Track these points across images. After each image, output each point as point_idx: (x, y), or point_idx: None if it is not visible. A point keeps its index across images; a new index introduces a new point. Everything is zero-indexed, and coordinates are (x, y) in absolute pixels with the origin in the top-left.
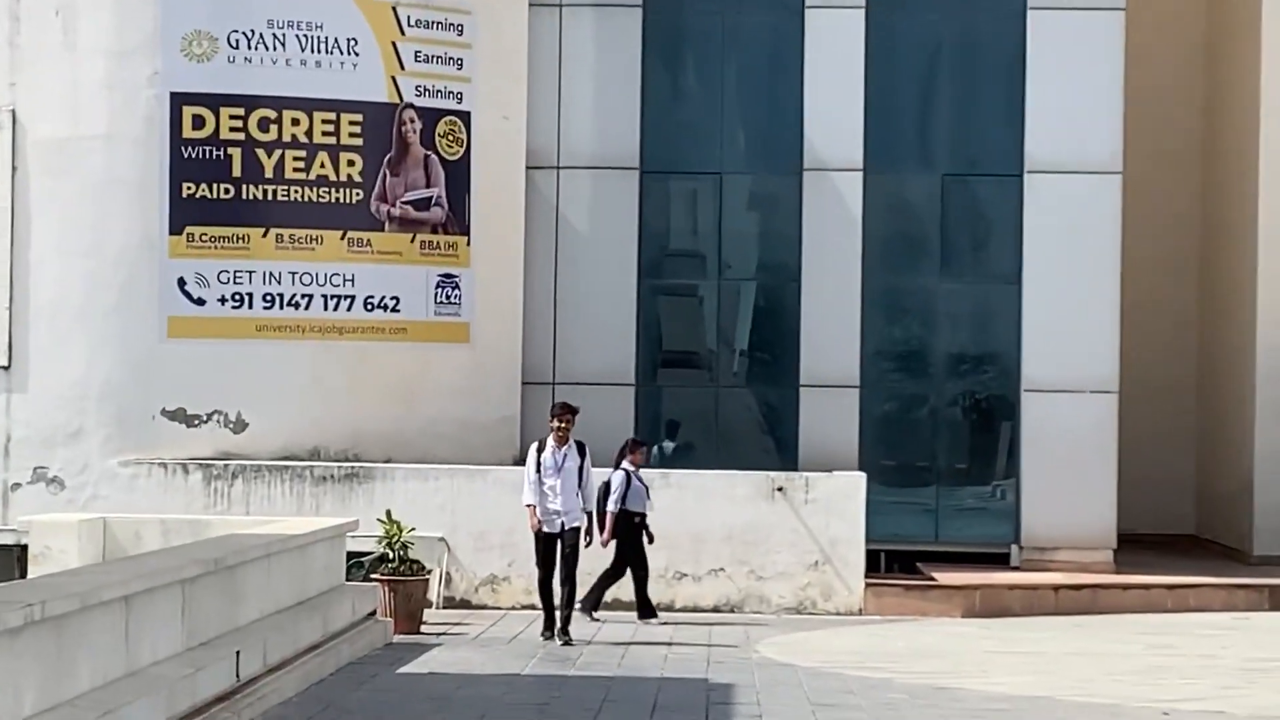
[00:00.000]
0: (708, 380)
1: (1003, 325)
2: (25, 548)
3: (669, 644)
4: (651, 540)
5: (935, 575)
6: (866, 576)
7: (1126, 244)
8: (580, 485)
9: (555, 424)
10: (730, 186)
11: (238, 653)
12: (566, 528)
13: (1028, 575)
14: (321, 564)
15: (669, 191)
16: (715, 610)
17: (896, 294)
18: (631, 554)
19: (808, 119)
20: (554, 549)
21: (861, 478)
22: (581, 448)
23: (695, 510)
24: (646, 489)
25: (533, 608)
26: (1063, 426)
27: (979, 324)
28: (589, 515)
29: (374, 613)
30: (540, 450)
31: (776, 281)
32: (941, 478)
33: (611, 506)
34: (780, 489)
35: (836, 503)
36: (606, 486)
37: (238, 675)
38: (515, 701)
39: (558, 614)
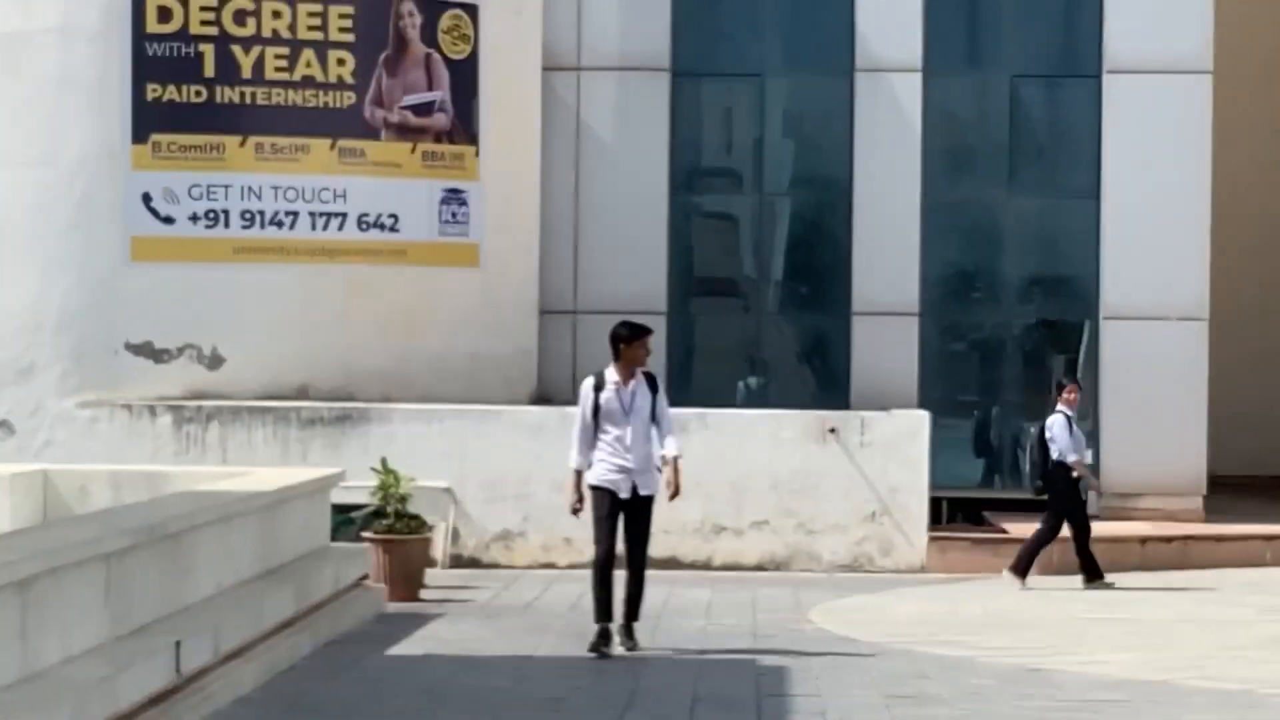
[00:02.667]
0: (748, 308)
1: (1079, 245)
2: None
3: (707, 610)
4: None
5: (1006, 526)
6: (929, 529)
7: (1217, 152)
8: (659, 426)
9: (626, 350)
10: (773, 90)
11: (178, 642)
12: (641, 491)
13: (1110, 526)
14: (298, 523)
15: (704, 96)
16: (759, 568)
17: (960, 210)
18: (1070, 509)
19: (860, 12)
20: (615, 516)
21: (924, 417)
22: (652, 381)
23: (736, 455)
24: (1083, 435)
25: (551, 566)
26: (1146, 358)
27: (1052, 243)
28: (675, 462)
29: (365, 578)
30: (599, 387)
31: (825, 197)
32: (1012, 416)
33: (1071, 456)
34: (833, 430)
35: (896, 445)
36: (1041, 434)
37: (178, 669)
38: (525, 694)
39: (617, 613)
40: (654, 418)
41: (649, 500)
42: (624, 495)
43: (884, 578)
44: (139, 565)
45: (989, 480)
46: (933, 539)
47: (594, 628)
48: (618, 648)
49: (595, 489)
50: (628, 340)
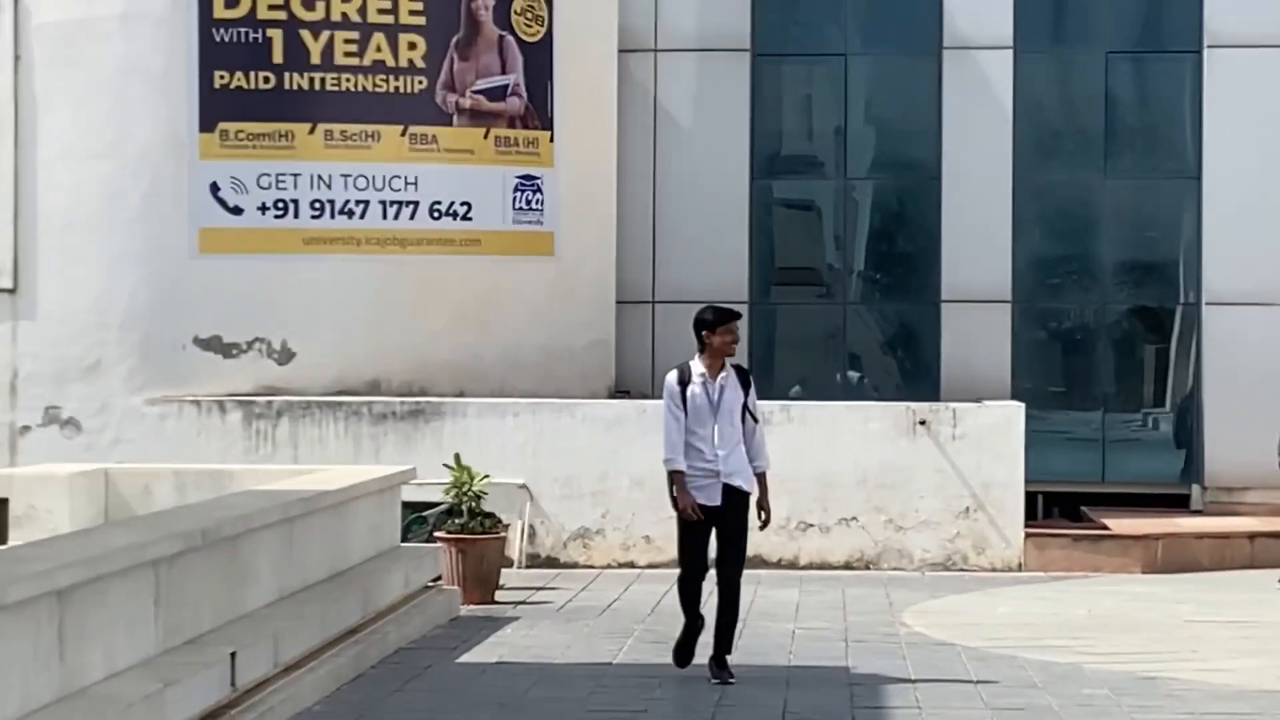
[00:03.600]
0: (832, 297)
1: (1178, 227)
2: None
3: (795, 613)
4: None
5: (1106, 522)
6: (1026, 525)
7: None
8: (746, 431)
9: (711, 338)
10: (857, 70)
11: (233, 654)
12: (733, 485)
13: (1216, 521)
14: (366, 524)
15: (785, 77)
16: (847, 567)
17: (1053, 193)
18: None
19: None
20: (705, 529)
21: (1019, 409)
22: (743, 375)
23: (822, 449)
24: None
25: (630, 565)
26: (1251, 345)
27: (1150, 226)
28: (761, 479)
29: (438, 580)
30: (684, 381)
31: (912, 181)
32: (1108, 407)
33: None
34: (923, 422)
35: (990, 438)
36: None
37: (233, 683)
38: (602, 706)
39: (706, 639)
40: (744, 419)
41: (744, 498)
42: (714, 503)
43: (978, 576)
44: (192, 572)
45: (1085, 473)
46: (1029, 535)
47: (676, 635)
48: (711, 672)
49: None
50: (713, 327)
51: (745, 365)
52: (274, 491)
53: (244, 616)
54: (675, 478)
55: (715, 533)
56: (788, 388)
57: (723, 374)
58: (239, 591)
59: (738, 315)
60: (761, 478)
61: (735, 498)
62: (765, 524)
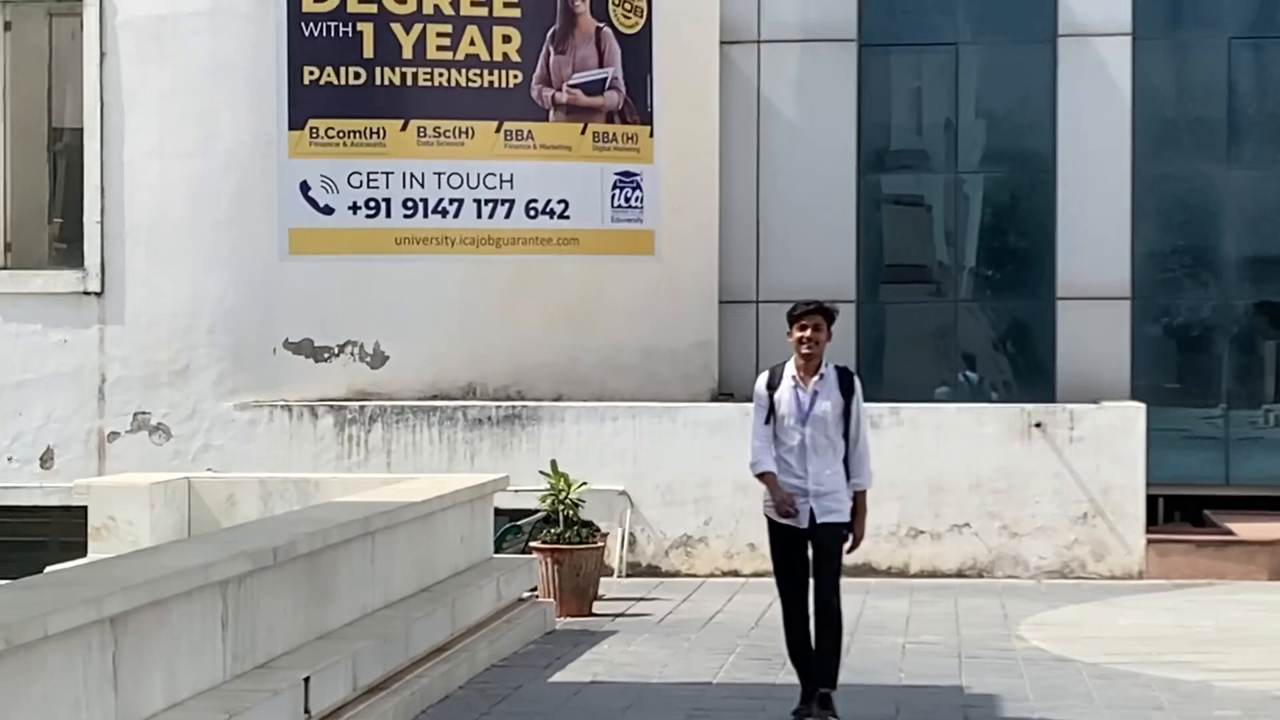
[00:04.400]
0: (943, 295)
1: None
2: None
3: (905, 625)
4: None
5: (1231, 527)
6: (1146, 530)
7: None
8: (847, 443)
9: (796, 333)
10: (968, 59)
11: (306, 679)
12: (820, 519)
13: None
14: (456, 535)
15: (893, 68)
16: (959, 575)
17: (1174, 184)
18: None
19: None
20: (799, 554)
21: (1140, 410)
22: (846, 379)
23: (933, 453)
24: None
25: (734, 574)
26: None
27: (1276, 217)
28: (858, 498)
29: (533, 592)
30: (773, 385)
31: (1026, 173)
32: (1232, 406)
33: None
34: (1039, 424)
35: (1109, 440)
36: None
37: (306, 709)
38: None
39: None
40: (845, 429)
41: (836, 530)
42: (802, 526)
43: (1097, 585)
44: (264, 592)
45: (1208, 475)
46: (1150, 542)
47: (781, 650)
48: (815, 712)
49: (769, 523)
50: (791, 321)
51: (850, 367)
52: (355, 504)
53: (321, 637)
54: (765, 480)
55: (806, 558)
56: (896, 389)
57: (818, 377)
58: (316, 611)
59: (818, 307)
60: (859, 497)
61: (826, 528)
62: (852, 547)
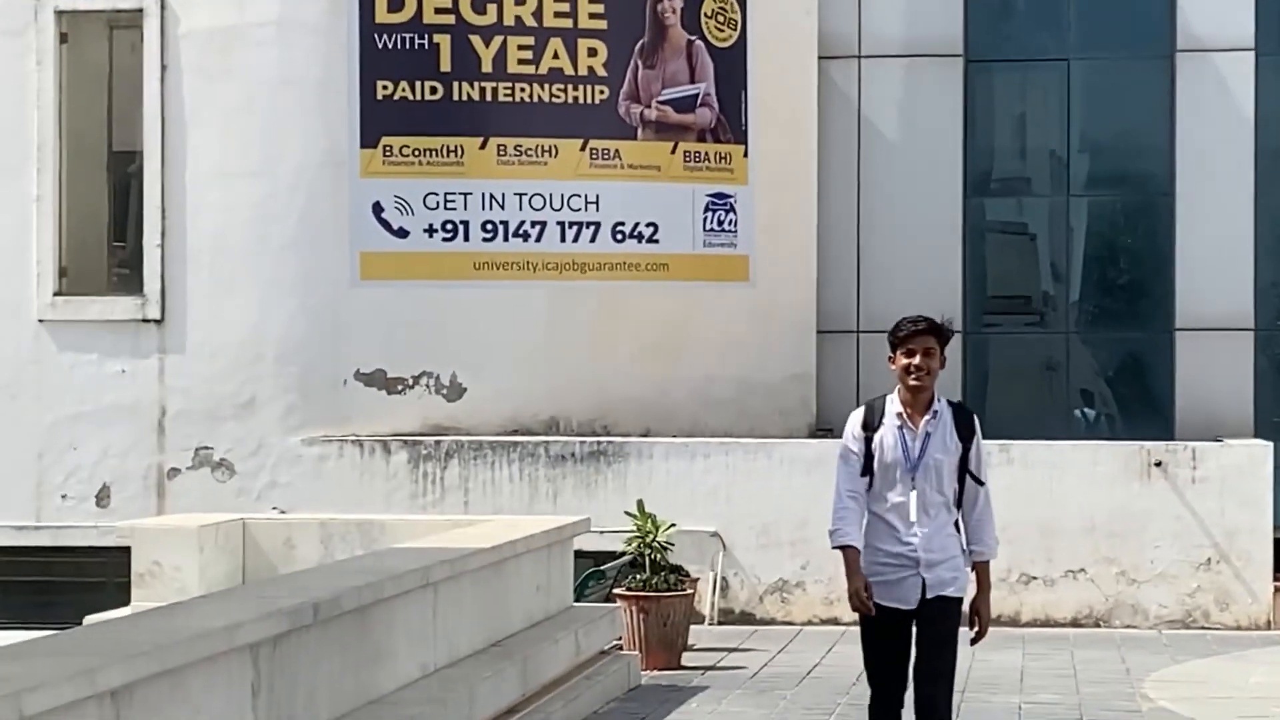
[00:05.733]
0: (1054, 325)
1: None
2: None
3: (1020, 682)
4: None
5: None
6: (1275, 577)
7: None
8: (966, 500)
9: (902, 360)
10: (1080, 76)
11: None
12: (931, 593)
13: None
14: (531, 583)
15: (1001, 85)
16: (1074, 624)
17: None
18: None
19: None
20: (901, 640)
21: (1268, 448)
22: (964, 418)
23: (1045, 493)
24: None
25: (834, 622)
26: None
27: None
28: (979, 572)
29: (618, 644)
30: (871, 425)
31: (1142, 196)
32: None
33: None
34: (1158, 463)
35: (1234, 481)
36: None
37: None
38: None
39: None
40: (961, 482)
41: (951, 606)
42: (909, 605)
43: (1222, 636)
44: (303, 654)
45: None
46: (1279, 590)
47: None
48: None
49: (861, 607)
50: (894, 345)
51: (965, 403)
52: (416, 550)
53: (373, 702)
54: (845, 556)
55: (912, 641)
56: (1004, 426)
57: (930, 416)
58: (367, 673)
59: (929, 326)
60: (983, 569)
61: (939, 603)
62: (979, 636)
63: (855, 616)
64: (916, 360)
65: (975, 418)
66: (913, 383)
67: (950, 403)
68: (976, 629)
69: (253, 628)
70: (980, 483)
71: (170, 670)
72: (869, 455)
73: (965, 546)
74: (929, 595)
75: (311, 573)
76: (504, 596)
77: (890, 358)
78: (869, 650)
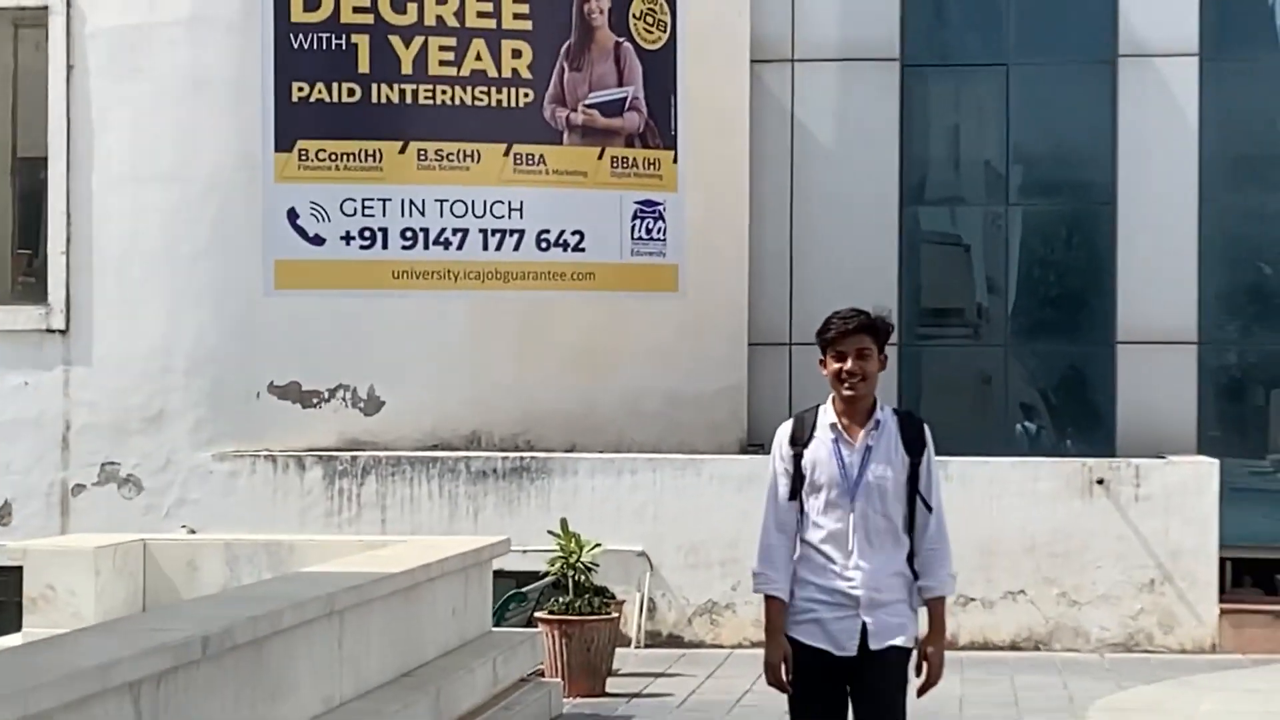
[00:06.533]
0: (992, 338)
1: None
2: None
3: (959, 711)
4: None
5: None
6: (1220, 599)
7: None
8: (916, 527)
9: (833, 364)
10: (1019, 81)
11: None
12: (875, 643)
13: None
14: (446, 608)
15: (939, 90)
16: (1013, 648)
17: (1249, 218)
18: None
19: None
20: (832, 690)
21: (1213, 466)
22: (913, 430)
23: (984, 511)
24: None
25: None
26: None
27: None
28: (932, 612)
29: (539, 671)
30: (800, 440)
31: (1082, 205)
32: None
33: None
34: (1101, 481)
35: (1179, 500)
36: None
37: None
38: None
39: None
40: (910, 506)
41: (897, 661)
42: (844, 652)
43: (1166, 660)
44: (193, 691)
45: None
46: (1225, 612)
47: None
48: None
49: (791, 643)
50: (824, 344)
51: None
52: (320, 575)
53: None
54: (766, 610)
55: (851, 696)
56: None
57: (871, 427)
58: (265, 709)
59: (864, 322)
60: (936, 607)
61: (883, 658)
62: (926, 686)
63: None
64: (849, 364)
65: (927, 428)
66: (847, 392)
67: (897, 411)
68: (924, 677)
69: (132, 665)
70: (929, 507)
71: (34, 716)
72: (799, 475)
73: (919, 581)
74: (871, 645)
75: (206, 601)
76: (417, 623)
77: (821, 361)
78: (794, 709)
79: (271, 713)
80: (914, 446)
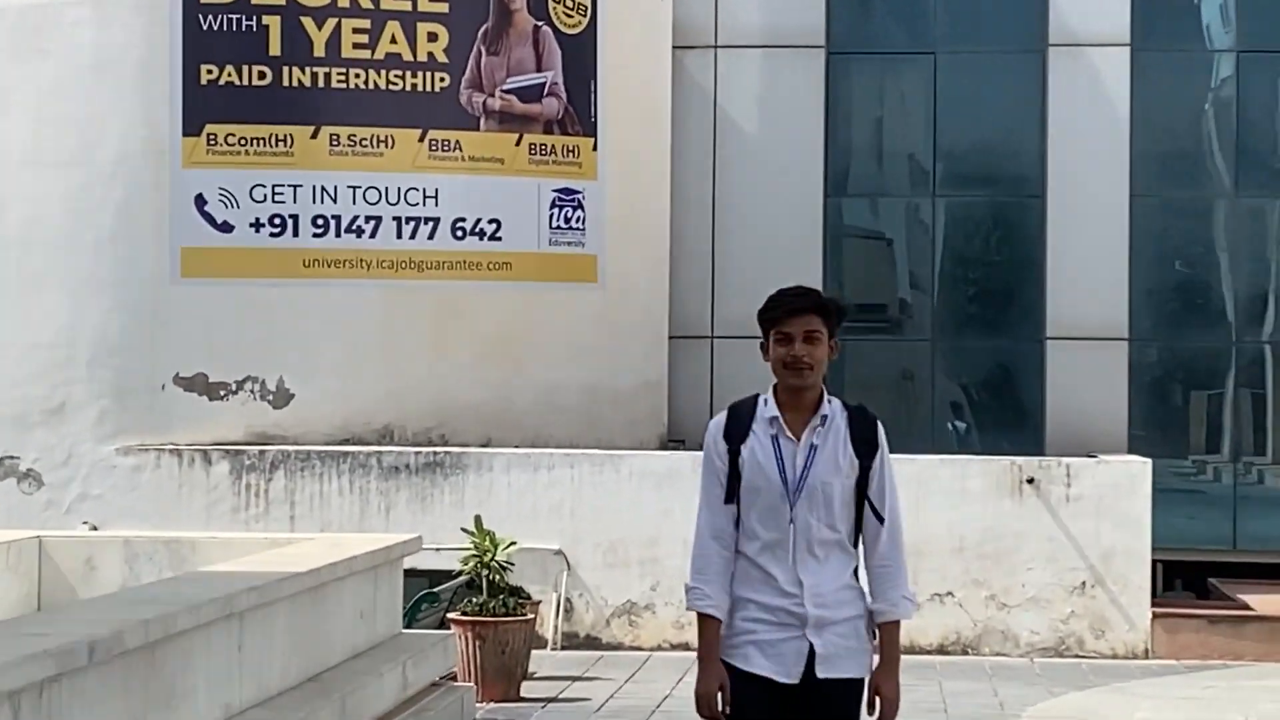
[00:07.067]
0: (919, 333)
1: None
2: None
3: None
4: None
5: (1248, 600)
6: (1152, 603)
7: None
8: (867, 536)
9: (777, 348)
10: (948, 69)
11: None
12: (824, 670)
13: None
14: (353, 609)
15: (866, 78)
16: (941, 651)
17: (1180, 213)
18: None
19: None
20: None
21: (1146, 465)
22: (864, 426)
23: (910, 511)
24: None
25: (686, 647)
26: None
27: None
28: (884, 636)
29: (451, 675)
30: (736, 435)
31: (1012, 199)
32: (1241, 462)
33: None
34: (1031, 480)
35: (1111, 500)
36: None
37: None
38: None
39: None
40: (860, 510)
41: (848, 692)
42: (789, 679)
43: (1098, 665)
44: (77, 699)
45: (1213, 538)
46: (1157, 616)
47: None
48: None
49: (727, 668)
50: (766, 324)
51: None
52: (220, 575)
53: None
54: (700, 630)
55: None
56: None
57: (817, 423)
58: (157, 717)
59: (813, 301)
60: (890, 633)
61: (832, 690)
62: (879, 715)
63: None
64: (796, 347)
65: (880, 426)
66: (792, 380)
67: (847, 405)
68: (880, 711)
69: (12, 673)
70: (881, 518)
71: None
72: (735, 475)
73: (874, 601)
74: (819, 673)
75: (96, 603)
76: (323, 625)
77: (762, 346)
78: None
79: None
80: (865, 448)
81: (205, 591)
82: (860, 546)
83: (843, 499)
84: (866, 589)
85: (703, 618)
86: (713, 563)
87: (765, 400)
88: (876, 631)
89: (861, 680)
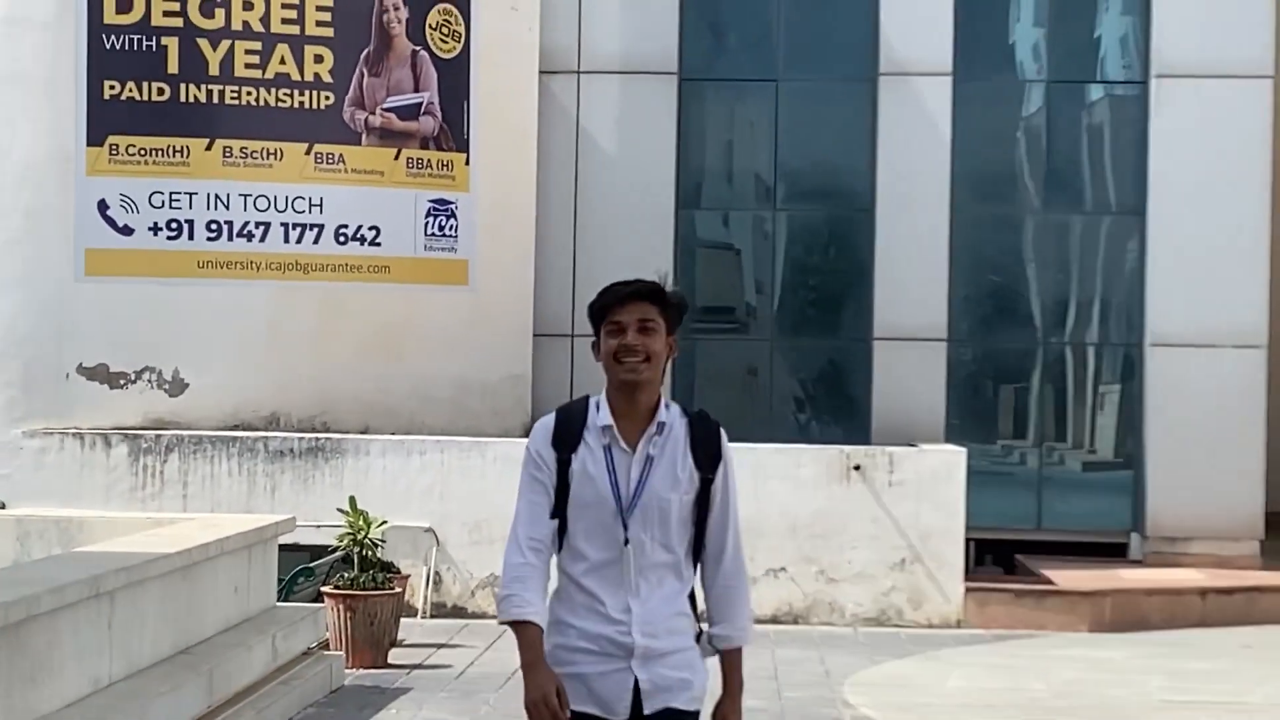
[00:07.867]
0: (759, 332)
1: (1123, 266)
2: None
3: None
4: None
5: (1051, 575)
6: (965, 578)
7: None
8: (708, 554)
9: (609, 340)
10: (788, 96)
11: None
12: (652, 704)
13: (1165, 575)
14: (227, 585)
15: (714, 102)
16: (774, 621)
17: (994, 227)
18: None
19: (884, 10)
20: None
21: (961, 454)
22: (707, 435)
23: (749, 495)
24: None
25: None
26: (1197, 388)
27: (1093, 264)
28: (726, 663)
29: (324, 644)
30: (566, 443)
31: (844, 212)
32: (1045, 450)
33: None
34: (857, 467)
35: (929, 485)
36: None
37: None
38: None
39: None
40: (700, 528)
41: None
42: (614, 716)
43: (915, 634)
44: None
45: (1020, 519)
46: (969, 590)
47: None
48: None
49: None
50: (598, 318)
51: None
52: (91, 556)
53: None
54: (519, 639)
55: None
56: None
57: (654, 430)
58: (21, 694)
59: (647, 288)
60: (732, 660)
61: (663, 715)
62: None
63: None
64: (629, 337)
65: (724, 435)
66: (625, 375)
67: (686, 412)
68: None
69: None
70: (724, 536)
71: None
72: (563, 488)
73: (704, 629)
74: (647, 707)
75: None
76: (196, 601)
77: (594, 345)
78: None
79: (31, 695)
80: (707, 459)
81: (74, 572)
82: (698, 567)
83: (680, 517)
84: (703, 610)
85: (521, 625)
86: (531, 573)
87: (597, 405)
88: (712, 653)
89: (695, 713)
